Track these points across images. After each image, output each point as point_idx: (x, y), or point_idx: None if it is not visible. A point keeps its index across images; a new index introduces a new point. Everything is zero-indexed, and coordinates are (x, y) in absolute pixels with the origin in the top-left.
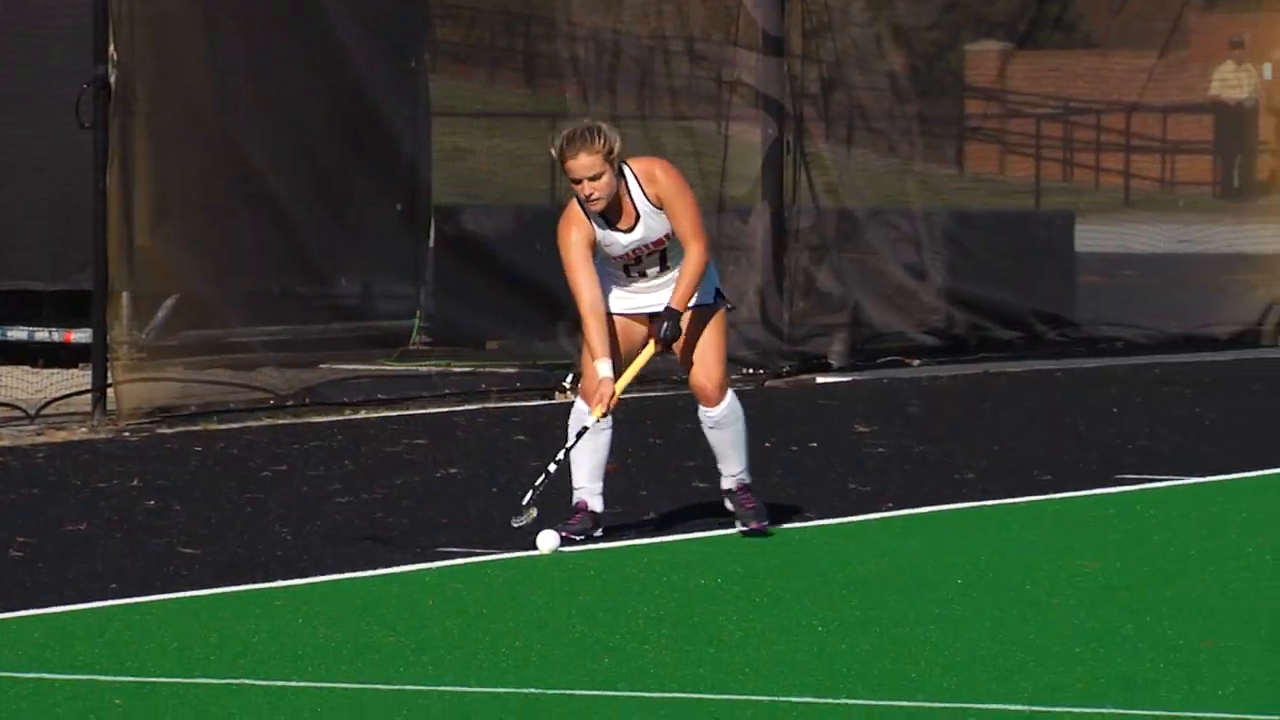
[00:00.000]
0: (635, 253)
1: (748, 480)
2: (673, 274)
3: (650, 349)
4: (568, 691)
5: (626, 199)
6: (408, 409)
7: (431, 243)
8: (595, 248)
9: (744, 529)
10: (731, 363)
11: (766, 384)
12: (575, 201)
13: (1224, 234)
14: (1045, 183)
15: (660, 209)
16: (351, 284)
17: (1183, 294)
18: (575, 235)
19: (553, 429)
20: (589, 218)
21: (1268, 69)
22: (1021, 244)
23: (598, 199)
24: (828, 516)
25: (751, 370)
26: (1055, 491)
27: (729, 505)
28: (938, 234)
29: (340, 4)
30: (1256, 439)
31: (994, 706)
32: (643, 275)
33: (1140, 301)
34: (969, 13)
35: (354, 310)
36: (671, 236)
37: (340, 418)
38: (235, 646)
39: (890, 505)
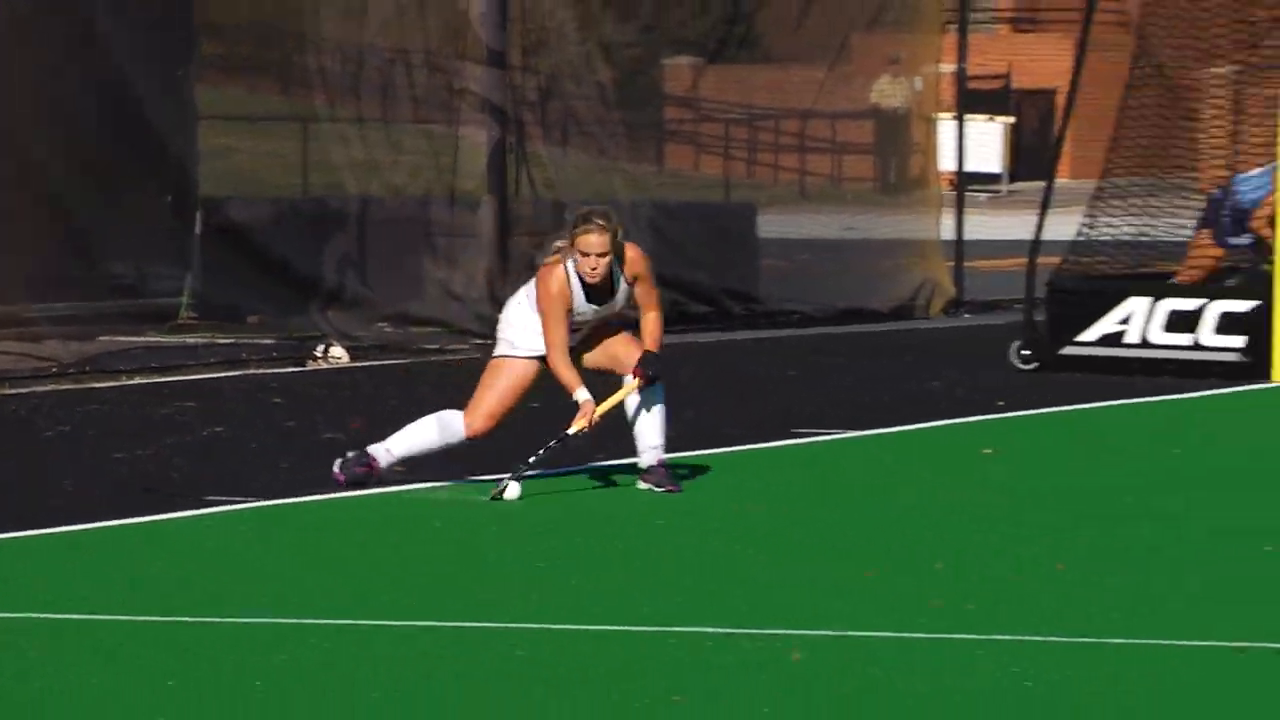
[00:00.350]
0: (596, 316)
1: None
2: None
3: (635, 383)
4: (329, 622)
5: (609, 277)
6: (177, 376)
7: (198, 229)
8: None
9: (661, 490)
10: (461, 334)
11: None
12: (563, 269)
13: (883, 223)
14: (733, 179)
15: (630, 286)
16: (127, 266)
17: (849, 275)
18: (557, 294)
19: (308, 393)
20: (569, 287)
21: (918, 81)
22: (713, 232)
23: (598, 274)
24: (548, 469)
25: (480, 341)
26: (740, 444)
27: (644, 483)
28: (642, 223)
29: (113, 17)
30: (909, 400)
31: (692, 629)
32: (579, 329)
33: (814, 281)
34: (667, 32)
35: (129, 289)
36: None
37: (117, 384)
38: (25, 584)
39: (602, 456)
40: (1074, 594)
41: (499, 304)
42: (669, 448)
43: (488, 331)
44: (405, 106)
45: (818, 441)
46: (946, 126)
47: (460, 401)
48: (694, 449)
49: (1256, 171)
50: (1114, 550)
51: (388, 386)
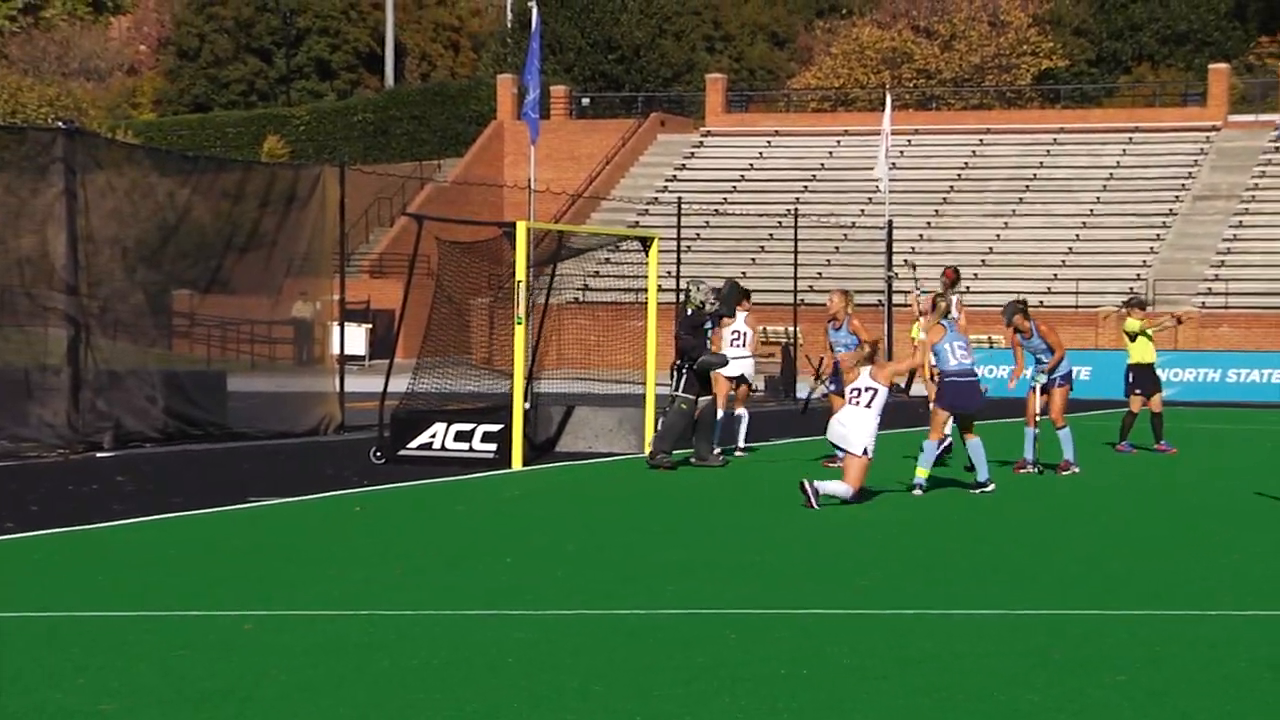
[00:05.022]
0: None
1: None
2: None
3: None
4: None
5: None
6: None
7: None
8: None
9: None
10: (49, 447)
11: None
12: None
13: (300, 382)
14: (212, 358)
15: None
16: None
17: (283, 411)
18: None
19: None
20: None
21: (319, 304)
22: (200, 388)
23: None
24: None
25: (63, 452)
26: (201, 508)
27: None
28: (158, 382)
29: None
30: (317, 479)
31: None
32: None
33: (261, 415)
34: (175, 274)
35: None
36: None
37: None
38: None
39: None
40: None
41: (75, 430)
42: None
43: (64, 445)
44: (13, 317)
45: (265, 505)
46: (335, 329)
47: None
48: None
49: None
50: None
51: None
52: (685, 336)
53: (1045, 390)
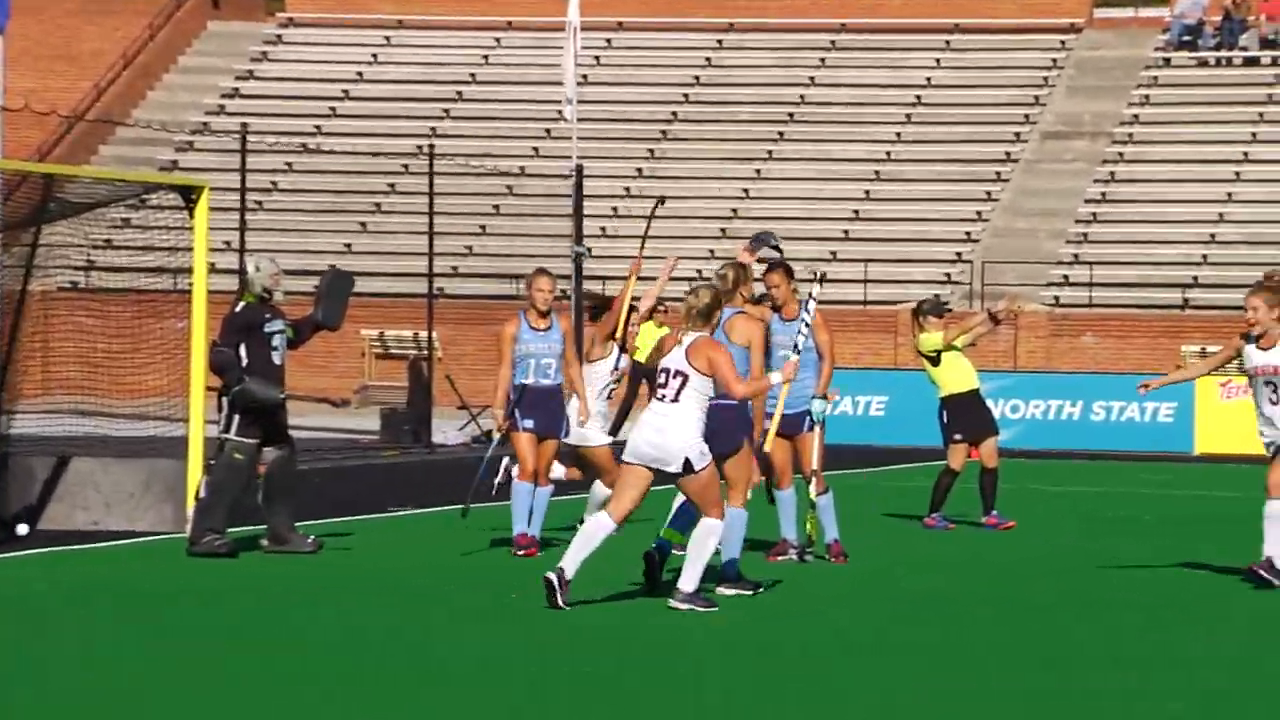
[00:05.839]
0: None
1: None
2: None
3: None
4: None
5: None
6: None
7: None
8: None
9: None
10: None
11: None
12: None
13: None
14: None
15: None
16: None
17: None
18: None
19: None
20: None
21: None
22: None
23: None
24: None
25: None
26: None
27: None
28: None
29: None
30: None
31: None
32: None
33: None
34: None
35: None
36: None
37: None
38: None
39: None
40: None
41: None
42: None
43: None
44: None
45: None
46: None
47: None
48: None
49: None
50: None
51: None
52: (222, 350)
53: (789, 432)
